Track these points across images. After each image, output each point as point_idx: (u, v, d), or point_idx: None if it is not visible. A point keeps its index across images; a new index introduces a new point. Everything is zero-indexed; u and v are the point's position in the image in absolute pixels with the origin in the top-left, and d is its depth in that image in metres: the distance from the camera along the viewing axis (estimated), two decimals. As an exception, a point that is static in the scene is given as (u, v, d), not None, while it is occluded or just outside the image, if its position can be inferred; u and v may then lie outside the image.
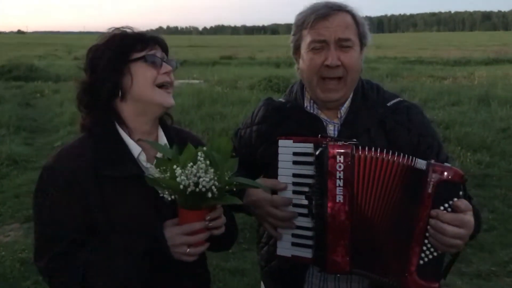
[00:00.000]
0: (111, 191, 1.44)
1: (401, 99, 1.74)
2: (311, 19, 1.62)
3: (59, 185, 1.43)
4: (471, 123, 8.74)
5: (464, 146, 7.48)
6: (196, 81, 15.99)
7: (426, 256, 1.43)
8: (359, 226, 1.48)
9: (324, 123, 1.70)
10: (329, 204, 1.47)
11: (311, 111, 1.73)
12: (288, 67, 19.00)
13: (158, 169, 1.37)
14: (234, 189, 1.39)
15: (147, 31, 1.57)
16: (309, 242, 1.56)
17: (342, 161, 1.45)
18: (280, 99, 1.84)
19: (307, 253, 1.57)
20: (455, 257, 1.48)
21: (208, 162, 1.32)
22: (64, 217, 1.42)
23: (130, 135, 1.52)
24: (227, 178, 1.34)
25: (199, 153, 1.32)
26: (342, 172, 1.45)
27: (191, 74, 17.64)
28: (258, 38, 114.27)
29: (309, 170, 1.55)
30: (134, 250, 1.39)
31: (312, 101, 1.73)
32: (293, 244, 1.60)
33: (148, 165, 1.52)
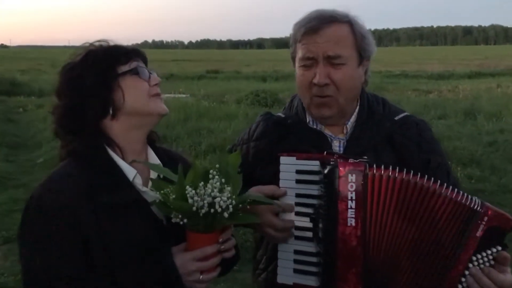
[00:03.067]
0: (108, 219, 1.28)
1: (408, 114, 1.65)
2: (301, 32, 1.52)
3: (50, 217, 1.24)
4: (459, 137, 8.75)
5: (454, 160, 7.43)
6: (182, 95, 15.89)
7: None
8: (374, 253, 1.36)
9: (329, 139, 1.59)
10: (340, 228, 1.35)
11: (314, 126, 1.62)
12: (274, 81, 19.02)
13: (158, 192, 1.25)
14: (248, 207, 1.29)
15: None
16: (313, 269, 1.44)
17: (354, 180, 1.34)
18: (279, 114, 1.72)
19: (311, 281, 1.45)
20: None
21: (223, 180, 1.21)
22: (59, 253, 1.23)
23: (122, 157, 1.38)
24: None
25: (212, 171, 1.22)
26: (354, 193, 1.34)
27: (177, 88, 17.52)
28: (244, 52, 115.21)
29: (314, 189, 1.43)
30: (145, 283, 1.26)
31: None
32: (295, 270, 1.47)
33: (144, 188, 1.38)
